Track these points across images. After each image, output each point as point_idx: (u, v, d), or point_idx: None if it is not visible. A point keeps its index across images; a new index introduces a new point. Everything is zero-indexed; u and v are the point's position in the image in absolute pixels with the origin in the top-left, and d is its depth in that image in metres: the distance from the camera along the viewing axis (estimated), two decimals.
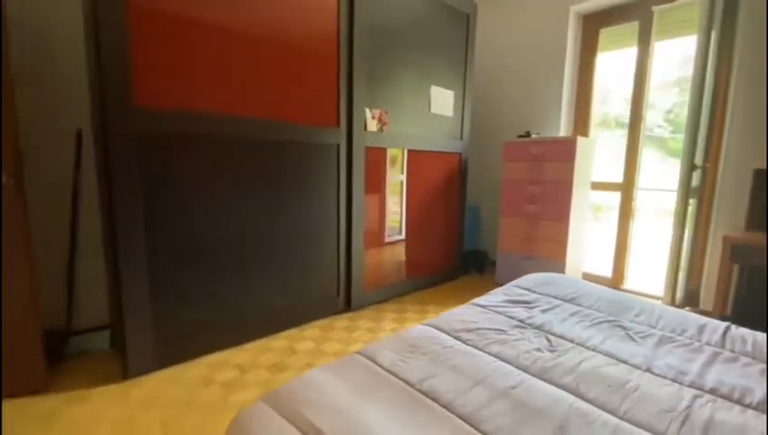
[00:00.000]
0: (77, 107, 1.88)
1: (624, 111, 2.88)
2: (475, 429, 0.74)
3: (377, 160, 2.48)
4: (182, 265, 1.75)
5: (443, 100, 2.82)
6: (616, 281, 2.99)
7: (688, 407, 0.83)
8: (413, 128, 2.64)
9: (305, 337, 2.08)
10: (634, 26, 2.76)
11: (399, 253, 2.79)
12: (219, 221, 1.84)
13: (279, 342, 2.02)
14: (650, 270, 2.84)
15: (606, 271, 3.02)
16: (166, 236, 1.69)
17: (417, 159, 2.73)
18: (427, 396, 0.83)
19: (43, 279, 1.72)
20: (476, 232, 3.63)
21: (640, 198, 2.86)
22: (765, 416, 0.82)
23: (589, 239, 2.97)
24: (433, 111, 2.76)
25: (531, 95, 3.19)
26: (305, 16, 2.02)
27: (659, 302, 2.29)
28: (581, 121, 3.09)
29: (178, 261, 1.74)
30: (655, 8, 2.64)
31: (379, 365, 0.94)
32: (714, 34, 2.24)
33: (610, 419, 0.79)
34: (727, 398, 0.88)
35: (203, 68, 1.71)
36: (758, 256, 1.94)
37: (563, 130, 3.06)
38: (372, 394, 0.83)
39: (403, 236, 2.79)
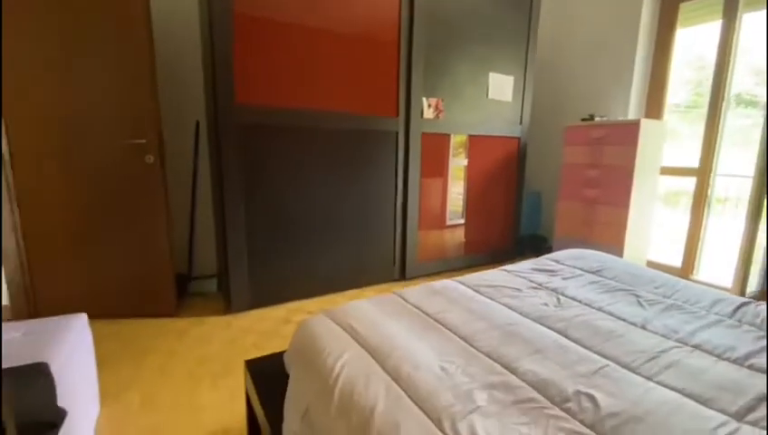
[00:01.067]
0: (195, 103, 2.43)
1: (752, 88, 2.55)
2: (469, 344, 0.99)
3: (435, 146, 2.71)
4: (272, 231, 2.20)
5: (502, 86, 2.92)
6: (686, 271, 2.86)
7: (662, 351, 0.98)
8: (470, 114, 2.81)
9: (365, 296, 2.41)
10: None
11: (458, 233, 3.01)
12: (301, 196, 2.26)
13: (343, 298, 2.41)
14: (730, 262, 2.65)
15: (676, 261, 2.89)
16: (260, 208, 2.15)
17: (475, 144, 2.89)
18: (438, 322, 1.10)
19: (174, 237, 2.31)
20: (537, 217, 3.67)
21: (729, 185, 2.66)
22: (740, 368, 0.93)
23: (656, 226, 2.86)
24: (491, 96, 2.88)
25: (598, 77, 3.11)
26: (371, 13, 2.29)
27: (727, 293, 2.20)
28: (655, 103, 2.94)
29: (269, 228, 2.19)
30: None
31: (406, 301, 1.23)
32: None
33: (583, 350, 0.97)
34: (708, 352, 1.00)
35: (287, 69, 2.10)
36: None
37: (632, 114, 2.95)
38: (398, 317, 1.12)
39: (464, 220, 2.99)
